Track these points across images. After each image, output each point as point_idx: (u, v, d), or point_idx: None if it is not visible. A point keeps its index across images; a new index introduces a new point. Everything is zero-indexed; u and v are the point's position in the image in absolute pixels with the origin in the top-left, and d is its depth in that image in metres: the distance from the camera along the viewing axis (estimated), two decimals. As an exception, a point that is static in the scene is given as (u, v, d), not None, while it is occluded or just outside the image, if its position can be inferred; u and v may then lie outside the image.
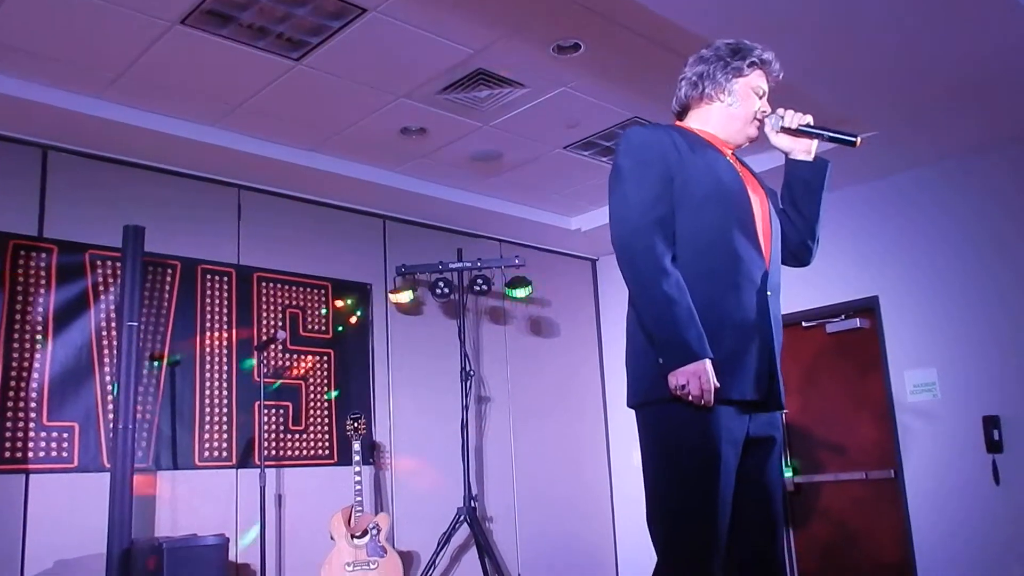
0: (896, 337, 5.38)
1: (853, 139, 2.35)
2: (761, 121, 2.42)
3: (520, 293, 5.93)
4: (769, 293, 2.27)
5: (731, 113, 2.39)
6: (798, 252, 2.49)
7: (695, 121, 2.45)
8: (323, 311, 5.41)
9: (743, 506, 2.17)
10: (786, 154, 2.45)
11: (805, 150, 2.43)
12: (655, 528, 2.17)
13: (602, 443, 6.73)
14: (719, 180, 2.27)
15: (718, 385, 2.10)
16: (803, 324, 5.79)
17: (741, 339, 2.19)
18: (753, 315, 2.22)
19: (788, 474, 5.80)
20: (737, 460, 2.17)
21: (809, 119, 2.41)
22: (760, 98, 2.42)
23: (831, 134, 2.38)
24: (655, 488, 2.18)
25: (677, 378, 2.09)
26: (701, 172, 2.26)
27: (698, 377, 2.07)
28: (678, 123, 2.49)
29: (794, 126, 2.39)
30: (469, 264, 5.73)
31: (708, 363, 2.10)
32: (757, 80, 2.41)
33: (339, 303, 5.50)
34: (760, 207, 2.33)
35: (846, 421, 5.63)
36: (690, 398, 2.08)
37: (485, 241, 6.34)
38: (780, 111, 2.41)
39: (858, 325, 5.60)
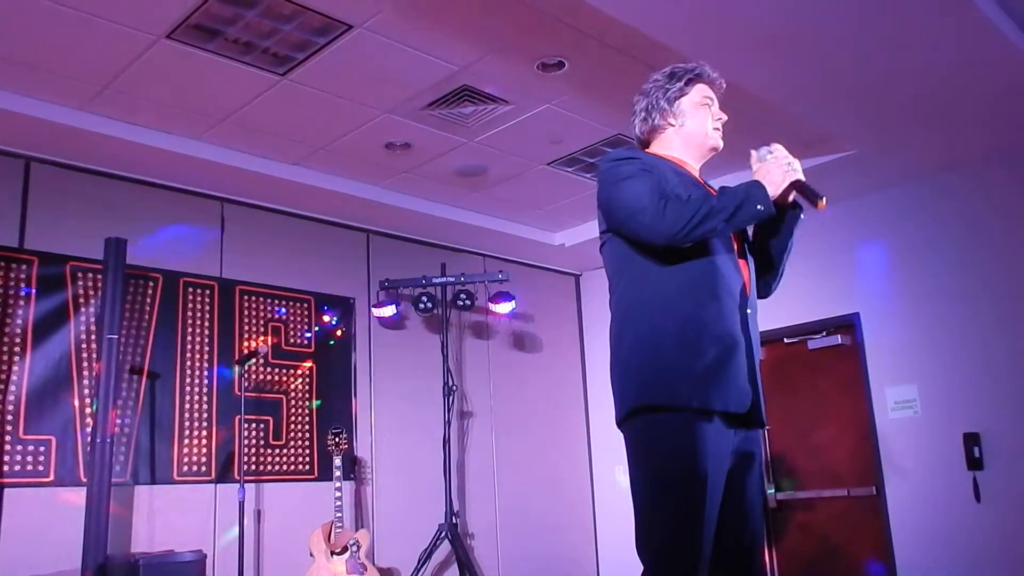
0: (877, 354, 5.42)
1: (819, 199, 2.24)
2: (720, 130, 2.45)
3: (503, 308, 5.94)
4: (749, 311, 2.28)
5: (686, 132, 2.43)
6: (758, 287, 2.45)
7: (658, 150, 2.48)
8: (306, 325, 5.39)
9: (724, 521, 2.18)
10: None
11: (785, 195, 2.38)
12: (641, 543, 2.17)
13: (584, 459, 6.73)
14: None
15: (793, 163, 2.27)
16: (784, 340, 5.82)
17: (724, 350, 2.18)
18: (735, 327, 2.22)
19: (771, 491, 5.81)
20: (724, 476, 2.17)
21: (798, 169, 2.30)
22: (710, 106, 2.45)
23: (810, 191, 2.28)
24: (642, 501, 2.18)
25: (772, 179, 2.24)
26: (679, 187, 2.29)
27: (772, 171, 2.26)
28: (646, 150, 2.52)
29: (790, 181, 2.27)
30: (453, 279, 5.73)
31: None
32: (700, 92, 2.44)
33: (322, 317, 5.48)
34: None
35: (828, 438, 5.65)
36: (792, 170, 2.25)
37: (469, 256, 6.34)
38: (772, 146, 2.35)
39: (839, 342, 5.63)
